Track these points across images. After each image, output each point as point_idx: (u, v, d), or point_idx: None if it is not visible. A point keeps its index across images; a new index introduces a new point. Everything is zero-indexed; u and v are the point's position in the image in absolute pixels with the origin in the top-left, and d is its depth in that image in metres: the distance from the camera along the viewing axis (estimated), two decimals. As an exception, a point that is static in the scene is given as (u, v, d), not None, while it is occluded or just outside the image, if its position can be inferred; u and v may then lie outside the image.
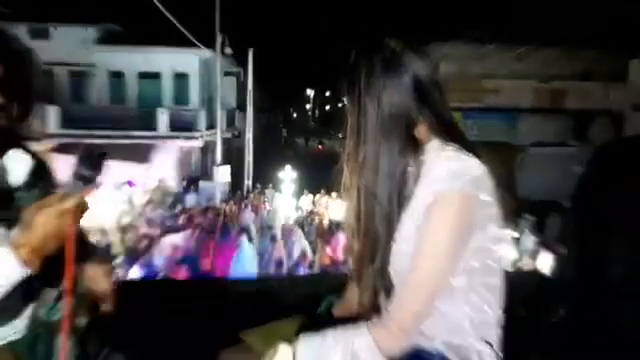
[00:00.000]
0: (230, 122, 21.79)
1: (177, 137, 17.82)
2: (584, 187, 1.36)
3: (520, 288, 1.45)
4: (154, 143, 17.33)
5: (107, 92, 19.69)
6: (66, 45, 18.20)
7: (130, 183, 13.12)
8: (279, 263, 8.24)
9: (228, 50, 16.69)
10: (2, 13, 12.82)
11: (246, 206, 12.76)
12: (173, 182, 16.44)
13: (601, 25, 14.47)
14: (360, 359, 1.03)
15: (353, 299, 1.28)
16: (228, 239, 8.56)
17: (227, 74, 19.88)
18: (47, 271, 1.06)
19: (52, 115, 15.84)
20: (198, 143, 18.67)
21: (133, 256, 7.50)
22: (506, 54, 15.37)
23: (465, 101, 15.42)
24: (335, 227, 10.60)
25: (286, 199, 15.48)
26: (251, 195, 15.69)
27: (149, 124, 17.36)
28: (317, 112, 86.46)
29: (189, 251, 7.41)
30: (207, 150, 19.81)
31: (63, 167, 1.19)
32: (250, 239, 8.25)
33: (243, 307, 1.93)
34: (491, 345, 1.11)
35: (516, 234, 9.41)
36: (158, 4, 11.04)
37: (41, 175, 1.20)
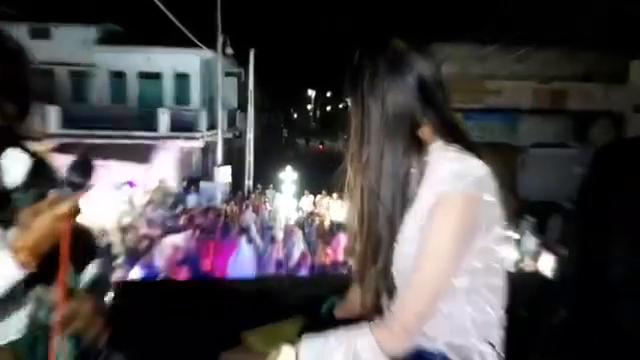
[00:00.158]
0: (231, 122, 21.78)
1: (178, 137, 17.77)
2: (585, 188, 1.36)
3: (521, 289, 1.45)
4: (155, 143, 17.27)
5: (108, 92, 19.65)
6: (67, 45, 18.19)
7: (131, 183, 13.10)
8: (279, 264, 8.25)
9: (229, 50, 16.72)
10: (3, 13, 12.83)
11: (247, 207, 12.75)
12: (174, 182, 16.40)
13: (602, 26, 14.48)
14: (362, 360, 1.02)
15: (355, 300, 1.28)
16: (229, 240, 8.57)
17: (228, 74, 19.87)
18: (46, 272, 1.07)
19: (53, 115, 15.83)
20: (199, 143, 18.64)
21: (134, 257, 7.49)
22: (507, 55, 15.34)
23: (466, 102, 15.41)
24: (336, 228, 10.60)
25: (287, 200, 15.45)
26: (252, 196, 15.68)
27: (150, 124, 17.32)
28: (318, 112, 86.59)
29: (190, 252, 7.41)
30: (208, 150, 19.79)
31: (64, 167, 1.19)
32: (250, 240, 8.25)
33: (244, 308, 1.92)
34: (493, 346, 1.10)
35: (517, 235, 9.39)
36: (159, 4, 11.02)
37: (40, 175, 1.20)
